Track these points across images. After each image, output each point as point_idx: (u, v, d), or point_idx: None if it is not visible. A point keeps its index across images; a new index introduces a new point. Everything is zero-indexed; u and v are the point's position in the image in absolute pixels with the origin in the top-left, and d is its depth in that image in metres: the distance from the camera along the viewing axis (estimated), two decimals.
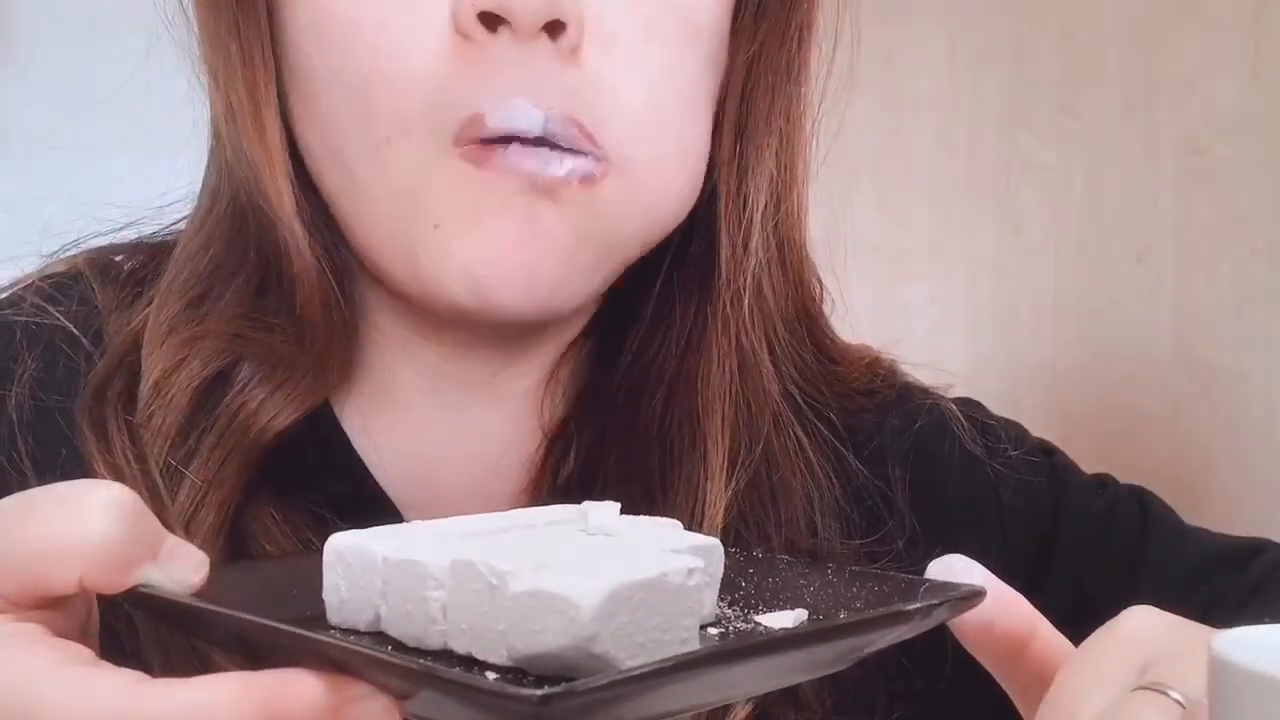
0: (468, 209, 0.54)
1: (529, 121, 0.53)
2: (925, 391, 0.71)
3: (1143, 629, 0.43)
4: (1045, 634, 0.46)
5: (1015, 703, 0.47)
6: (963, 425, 0.69)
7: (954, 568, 0.45)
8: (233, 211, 0.60)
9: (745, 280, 0.62)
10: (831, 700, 0.61)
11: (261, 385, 0.58)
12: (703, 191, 0.63)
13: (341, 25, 0.55)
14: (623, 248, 0.59)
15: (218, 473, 0.57)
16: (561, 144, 0.54)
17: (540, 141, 0.54)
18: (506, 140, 0.54)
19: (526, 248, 0.54)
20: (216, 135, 0.61)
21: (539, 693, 0.32)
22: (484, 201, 0.54)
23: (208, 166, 0.63)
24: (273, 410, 0.58)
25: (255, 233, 0.59)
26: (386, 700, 0.36)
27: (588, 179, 0.55)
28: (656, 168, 0.58)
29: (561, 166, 0.54)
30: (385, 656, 0.36)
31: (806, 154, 0.65)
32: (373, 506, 0.61)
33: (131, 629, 0.54)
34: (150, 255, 0.66)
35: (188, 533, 0.55)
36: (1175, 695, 0.38)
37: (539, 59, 0.54)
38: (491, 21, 0.53)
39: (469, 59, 0.54)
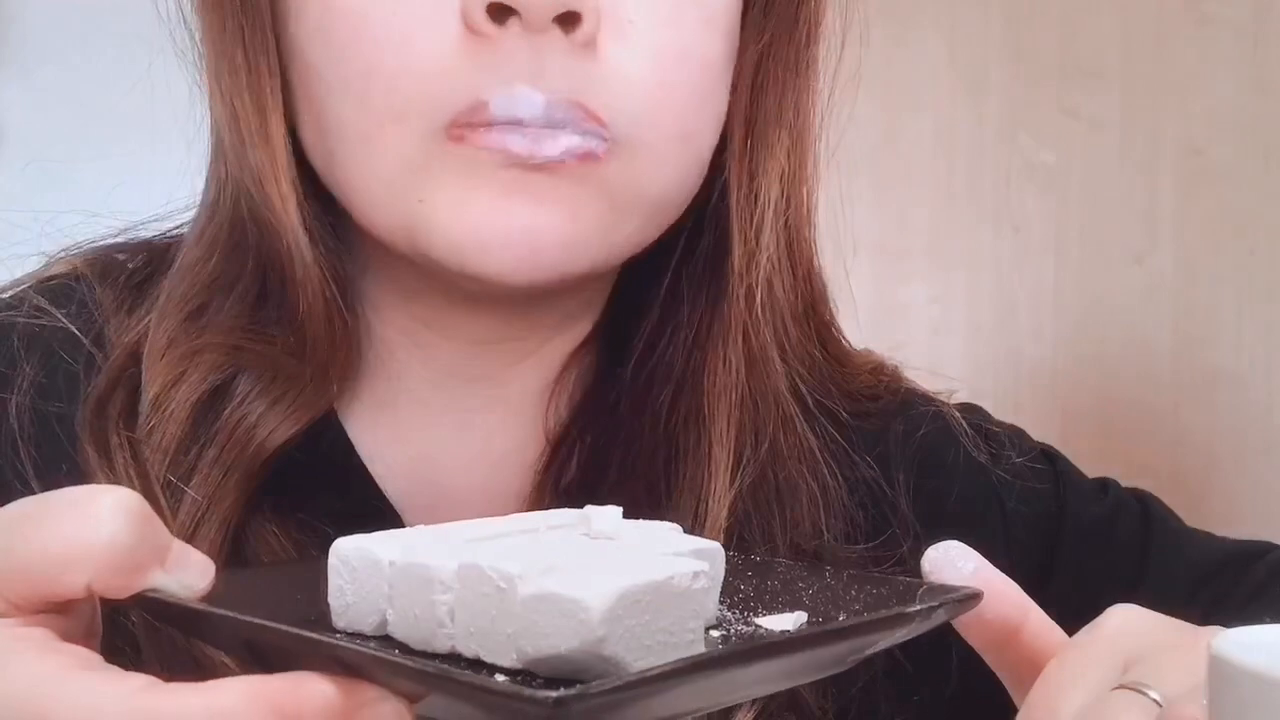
0: (453, 182, 0.54)
1: (531, 108, 0.53)
2: (929, 398, 0.71)
3: (1125, 627, 0.43)
4: (1037, 622, 0.46)
5: (1009, 689, 0.47)
6: (966, 432, 0.69)
7: (951, 552, 0.46)
8: (232, 222, 0.60)
9: (757, 275, 0.62)
10: (834, 707, 0.61)
11: (261, 398, 0.58)
12: (713, 187, 0.62)
13: (348, 18, 0.54)
14: (626, 226, 0.58)
15: (218, 488, 0.57)
16: (562, 126, 0.53)
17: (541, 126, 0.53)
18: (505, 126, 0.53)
19: (519, 217, 0.54)
20: (218, 144, 0.61)
21: (554, 694, 0.32)
22: (469, 176, 0.54)
23: (207, 178, 0.63)
24: (272, 424, 0.58)
25: (255, 243, 0.59)
26: (398, 703, 0.36)
27: (587, 156, 0.54)
28: (661, 148, 0.57)
29: (555, 145, 0.53)
30: (398, 659, 0.36)
31: (816, 149, 0.65)
32: (375, 514, 0.61)
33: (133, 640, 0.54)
34: (152, 255, 0.66)
35: None
36: (1154, 695, 0.39)
37: (549, 50, 0.53)
38: (501, 14, 0.52)
39: (475, 53, 0.53)
